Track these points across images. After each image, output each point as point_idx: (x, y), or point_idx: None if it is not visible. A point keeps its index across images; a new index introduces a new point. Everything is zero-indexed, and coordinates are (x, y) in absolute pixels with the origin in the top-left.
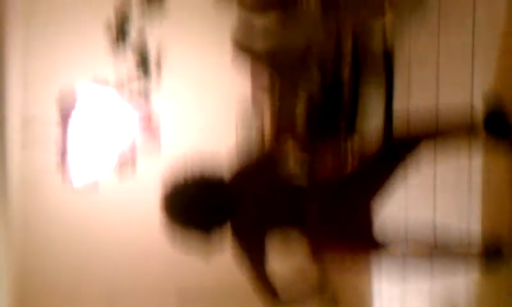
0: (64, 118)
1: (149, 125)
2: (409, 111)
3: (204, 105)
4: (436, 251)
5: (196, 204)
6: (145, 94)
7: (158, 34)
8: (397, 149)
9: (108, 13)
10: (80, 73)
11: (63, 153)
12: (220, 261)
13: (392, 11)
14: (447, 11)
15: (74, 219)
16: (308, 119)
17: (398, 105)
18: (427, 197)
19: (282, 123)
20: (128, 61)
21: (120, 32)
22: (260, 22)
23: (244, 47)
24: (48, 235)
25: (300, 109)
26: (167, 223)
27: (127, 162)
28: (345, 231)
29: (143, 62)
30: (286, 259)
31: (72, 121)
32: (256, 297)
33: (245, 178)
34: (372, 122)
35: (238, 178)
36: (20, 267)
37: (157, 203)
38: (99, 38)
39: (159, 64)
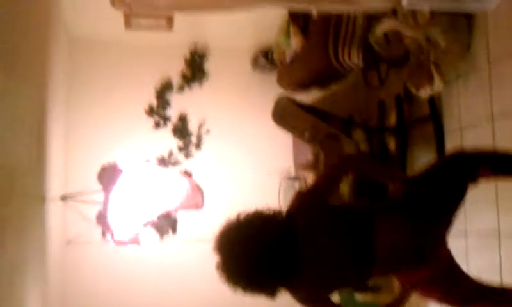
0: (106, 189)
1: (190, 198)
2: None
3: (245, 178)
4: None
5: (261, 253)
6: (186, 169)
7: (198, 109)
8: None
9: (149, 94)
10: (121, 152)
11: (104, 217)
12: None
13: (439, 79)
14: (497, 75)
15: (113, 285)
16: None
17: None
18: None
19: None
20: (169, 138)
21: (161, 110)
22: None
23: (285, 124)
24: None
25: (346, 185)
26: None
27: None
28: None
29: (184, 138)
30: None
31: (113, 192)
32: None
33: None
34: None
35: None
36: None
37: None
38: (140, 117)
39: (199, 139)
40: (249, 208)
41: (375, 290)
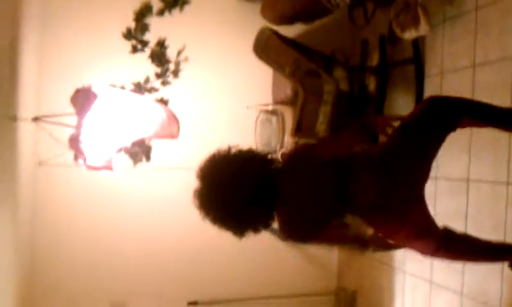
0: (79, 113)
1: (165, 126)
2: None
3: (223, 109)
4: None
5: (242, 182)
6: (163, 97)
7: (178, 35)
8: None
9: (127, 16)
10: (96, 75)
11: (77, 140)
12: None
13: (426, 22)
14: (484, 21)
15: (85, 208)
16: (335, 114)
17: None
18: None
19: (305, 125)
20: (146, 64)
21: (139, 34)
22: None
23: (266, 57)
24: (58, 221)
25: (325, 112)
26: (201, 201)
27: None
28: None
29: (162, 65)
30: None
31: (87, 116)
32: None
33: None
34: None
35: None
36: (28, 253)
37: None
38: (117, 40)
39: (177, 66)
40: (235, 143)
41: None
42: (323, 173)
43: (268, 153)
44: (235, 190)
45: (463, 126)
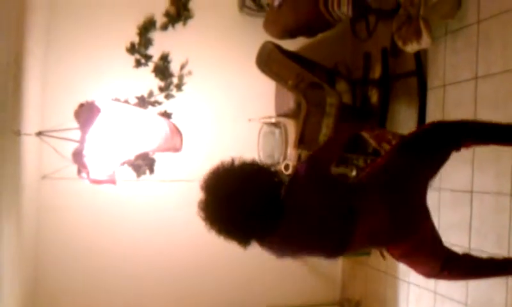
0: (83, 127)
1: (168, 140)
2: None
3: (226, 122)
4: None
5: (245, 197)
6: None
7: (181, 49)
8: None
9: (131, 32)
10: (100, 90)
11: (80, 155)
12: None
13: (427, 35)
14: (486, 34)
15: (88, 222)
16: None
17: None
18: None
19: (308, 138)
20: (150, 77)
21: (143, 48)
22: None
23: (269, 70)
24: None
25: (327, 124)
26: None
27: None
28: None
29: (166, 79)
30: None
31: (91, 130)
32: None
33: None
34: None
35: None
36: (32, 266)
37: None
38: (121, 55)
39: (181, 80)
40: (243, 156)
41: None
42: (332, 191)
43: (271, 165)
44: (241, 202)
45: (466, 146)
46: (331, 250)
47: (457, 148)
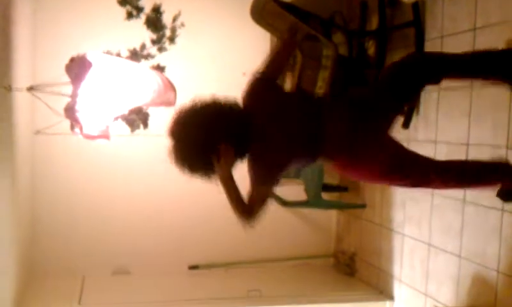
0: (75, 81)
1: (162, 94)
2: None
3: (220, 75)
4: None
5: (211, 126)
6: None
7: (173, 0)
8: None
9: None
10: (91, 43)
11: (73, 110)
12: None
13: None
14: None
15: (83, 176)
16: (334, 79)
17: None
18: None
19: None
20: (142, 30)
21: (134, 1)
22: None
23: (263, 21)
24: (57, 190)
25: (323, 77)
26: (175, 146)
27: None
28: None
29: (158, 31)
30: None
31: (83, 84)
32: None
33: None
34: None
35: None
36: (27, 222)
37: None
38: (112, 7)
39: (174, 32)
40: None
41: (341, 189)
42: (295, 108)
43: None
44: (206, 129)
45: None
46: (307, 152)
47: (436, 83)
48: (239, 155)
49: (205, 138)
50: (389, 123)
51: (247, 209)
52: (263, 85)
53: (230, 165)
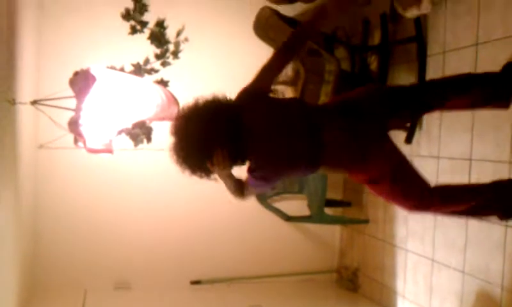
0: (78, 96)
1: (165, 108)
2: None
3: (223, 89)
4: None
5: (208, 127)
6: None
7: (177, 15)
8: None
9: None
10: (95, 57)
11: (77, 124)
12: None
13: (428, 0)
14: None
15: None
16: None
17: None
18: None
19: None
20: (146, 44)
21: (138, 15)
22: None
23: (266, 36)
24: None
25: (326, 91)
26: (175, 146)
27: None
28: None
29: (162, 46)
30: None
31: (86, 98)
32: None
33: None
34: None
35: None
36: (30, 236)
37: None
38: (116, 21)
39: (177, 47)
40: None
41: (344, 204)
42: (280, 114)
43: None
44: (205, 128)
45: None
46: (305, 164)
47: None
48: (236, 160)
49: (201, 143)
50: (384, 128)
51: (241, 196)
52: (249, 97)
53: (226, 168)
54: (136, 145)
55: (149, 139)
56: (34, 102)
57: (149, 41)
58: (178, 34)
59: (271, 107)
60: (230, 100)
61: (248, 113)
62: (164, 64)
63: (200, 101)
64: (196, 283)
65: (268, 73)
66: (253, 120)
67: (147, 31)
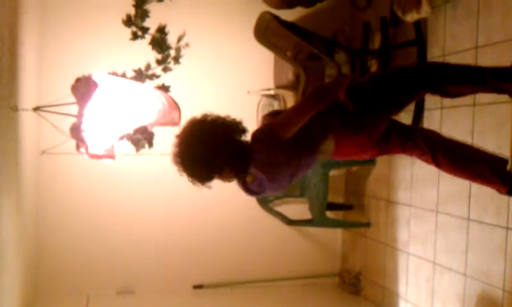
0: (80, 102)
1: (166, 114)
2: None
3: (224, 94)
4: None
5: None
6: (164, 83)
7: (178, 21)
8: None
9: (127, 3)
10: (97, 63)
11: (79, 129)
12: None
13: (427, 4)
14: (486, 2)
15: (89, 195)
16: None
17: None
18: None
19: None
20: (147, 50)
21: (139, 21)
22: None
23: (267, 41)
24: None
25: None
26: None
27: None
28: None
29: (163, 51)
30: None
31: (88, 104)
32: None
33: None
34: None
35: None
36: (33, 241)
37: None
38: (117, 27)
39: (178, 52)
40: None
41: (346, 208)
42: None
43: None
44: (211, 141)
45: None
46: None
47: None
48: (241, 175)
49: (210, 164)
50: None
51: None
52: (267, 141)
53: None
54: (137, 150)
55: (150, 144)
56: (36, 109)
57: (150, 47)
58: (179, 39)
59: (282, 152)
60: (243, 129)
61: (259, 154)
62: (165, 69)
63: (209, 119)
64: (198, 287)
65: (295, 124)
66: (263, 158)
67: (148, 37)
